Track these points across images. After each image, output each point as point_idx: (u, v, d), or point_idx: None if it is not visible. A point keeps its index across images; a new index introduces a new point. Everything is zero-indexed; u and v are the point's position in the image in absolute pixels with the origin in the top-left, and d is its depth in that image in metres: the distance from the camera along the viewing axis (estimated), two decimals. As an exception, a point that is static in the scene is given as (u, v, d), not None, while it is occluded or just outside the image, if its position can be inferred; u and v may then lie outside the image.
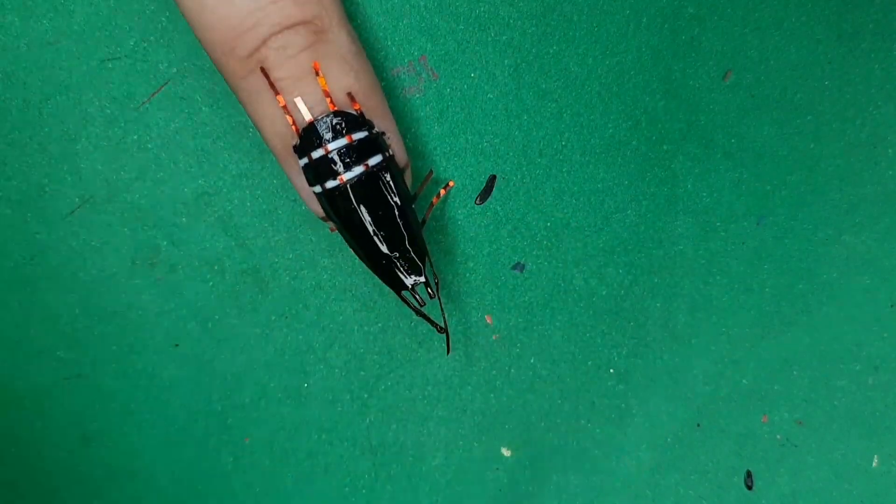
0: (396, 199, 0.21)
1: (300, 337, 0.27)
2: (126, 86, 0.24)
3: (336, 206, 0.21)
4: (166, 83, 0.24)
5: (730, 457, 0.28)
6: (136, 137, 0.25)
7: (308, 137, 0.20)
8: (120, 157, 0.25)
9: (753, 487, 0.28)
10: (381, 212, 0.21)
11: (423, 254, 0.22)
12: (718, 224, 0.26)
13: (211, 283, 0.26)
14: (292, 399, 0.27)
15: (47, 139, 0.24)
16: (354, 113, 0.20)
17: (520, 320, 0.27)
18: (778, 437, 0.28)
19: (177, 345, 0.26)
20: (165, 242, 0.25)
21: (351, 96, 0.20)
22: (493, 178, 0.26)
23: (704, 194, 0.26)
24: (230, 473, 0.27)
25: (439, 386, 0.27)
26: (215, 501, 0.27)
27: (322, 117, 0.20)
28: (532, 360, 0.27)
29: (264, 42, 0.19)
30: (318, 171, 0.20)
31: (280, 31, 0.19)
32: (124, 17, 0.24)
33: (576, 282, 0.27)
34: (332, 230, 0.24)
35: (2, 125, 0.24)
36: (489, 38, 0.25)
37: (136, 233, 0.25)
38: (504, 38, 0.25)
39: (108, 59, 0.24)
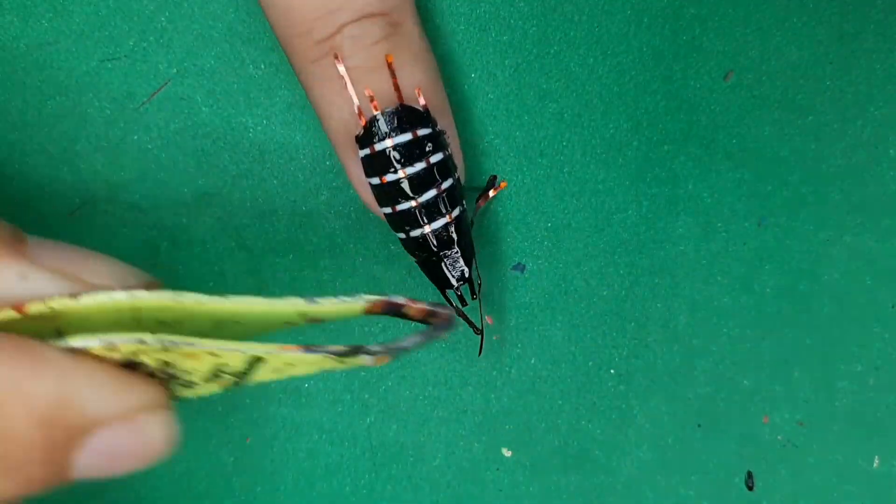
0: (454, 198, 0.21)
1: (300, 337, 0.27)
2: (125, 86, 0.24)
3: (391, 200, 0.21)
4: (166, 83, 0.24)
5: (730, 457, 0.28)
6: (135, 138, 0.25)
7: (372, 129, 0.20)
8: (120, 157, 0.25)
9: (754, 488, 0.28)
10: (436, 210, 0.21)
11: (470, 255, 0.22)
12: (719, 224, 0.26)
13: (211, 284, 0.26)
14: (293, 399, 0.27)
15: (47, 140, 0.24)
16: (421, 109, 0.20)
17: (520, 321, 0.27)
18: (779, 437, 0.28)
19: (177, 345, 0.26)
20: (165, 243, 0.25)
21: (419, 92, 0.20)
22: (493, 179, 0.26)
23: (705, 195, 0.26)
24: (230, 474, 0.27)
25: (440, 386, 0.27)
26: (215, 502, 0.27)
27: (389, 110, 0.20)
28: (533, 361, 0.27)
29: (341, 29, 0.19)
30: (378, 164, 0.20)
31: (358, 20, 0.19)
32: (123, 18, 0.24)
33: (576, 282, 0.27)
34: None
35: (1, 125, 0.24)
36: (490, 39, 0.25)
37: (135, 233, 0.25)
38: (505, 38, 0.25)
39: (108, 60, 0.24)
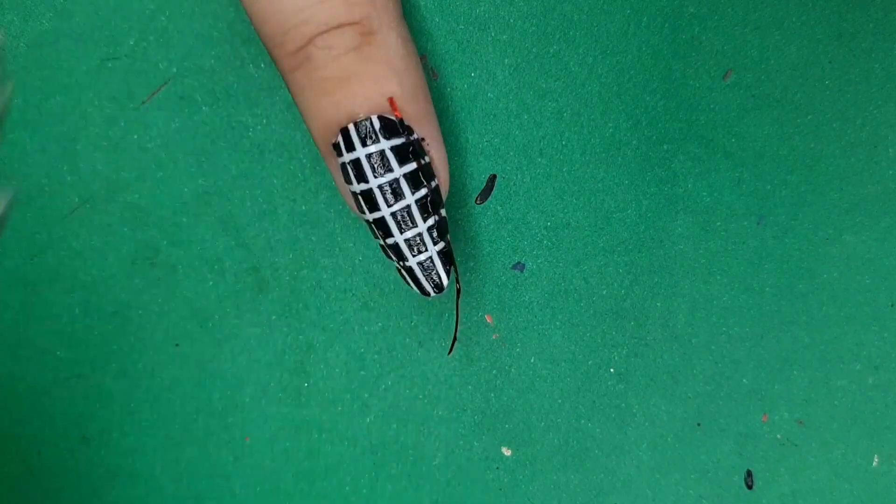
0: (428, 207, 0.22)
1: (300, 337, 0.27)
2: (126, 85, 0.24)
3: (367, 208, 0.21)
4: (166, 83, 0.24)
5: (730, 456, 0.28)
6: (135, 137, 0.25)
7: (346, 139, 0.20)
8: (120, 156, 0.25)
9: (754, 487, 0.28)
10: (410, 219, 0.21)
11: (448, 263, 0.22)
12: (719, 224, 0.26)
13: (211, 283, 0.26)
14: (292, 399, 0.27)
15: (47, 139, 0.24)
16: (393, 119, 0.21)
17: (520, 320, 0.27)
18: (778, 436, 0.28)
19: (177, 345, 0.26)
20: (165, 242, 0.25)
21: (392, 102, 0.20)
22: (493, 178, 0.26)
23: (705, 194, 0.26)
24: (230, 473, 0.27)
25: (439, 385, 0.27)
26: (215, 501, 0.27)
27: (360, 121, 0.20)
28: (532, 360, 0.27)
29: (311, 40, 0.19)
30: (353, 172, 0.21)
31: (327, 31, 0.19)
32: (124, 17, 0.24)
33: (576, 281, 0.27)
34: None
35: (1, 125, 0.24)
36: (489, 38, 0.25)
37: (135, 233, 0.25)
38: (504, 37, 0.25)
39: (108, 59, 0.24)
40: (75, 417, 0.27)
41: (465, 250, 0.26)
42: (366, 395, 0.27)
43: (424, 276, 0.22)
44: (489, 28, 0.24)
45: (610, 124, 0.25)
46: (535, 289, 0.27)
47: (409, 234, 0.21)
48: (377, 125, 0.20)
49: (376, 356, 0.27)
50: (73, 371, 0.26)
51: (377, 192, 0.21)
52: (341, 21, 0.19)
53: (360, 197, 0.21)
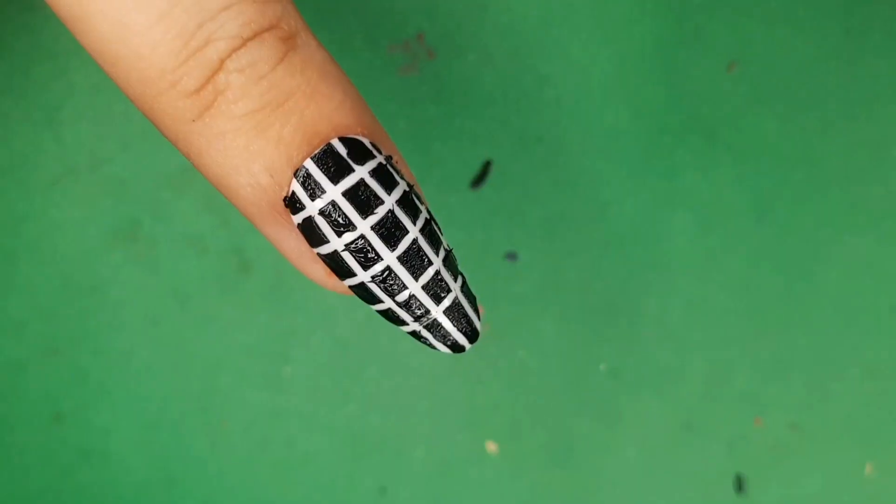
0: (432, 236, 0.16)
1: (282, 321, 0.26)
2: (113, 53, 0.24)
3: (355, 266, 0.15)
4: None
5: (720, 459, 0.27)
6: (121, 108, 0.24)
7: (306, 184, 0.14)
8: (104, 127, 0.24)
9: (743, 492, 0.27)
10: (416, 263, 0.15)
11: (474, 301, 0.17)
12: (718, 220, 0.26)
13: (193, 262, 0.25)
14: (272, 384, 0.26)
15: (31, 107, 0.24)
16: (358, 138, 0.15)
17: (510, 311, 0.26)
18: (771, 440, 0.27)
19: (156, 324, 0.26)
20: (147, 217, 0.25)
21: (348, 117, 0.15)
22: (488, 164, 0.25)
23: (704, 189, 0.26)
24: (206, 458, 0.27)
25: (424, 376, 0.27)
26: (190, 486, 0.27)
27: (319, 152, 0.14)
28: (521, 353, 0.27)
29: (222, 64, 0.14)
30: (326, 225, 0.14)
31: (242, 45, 0.14)
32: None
33: (569, 274, 0.26)
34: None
35: (-16, 90, 0.24)
36: (489, 19, 0.24)
37: (117, 206, 0.25)
38: (504, 19, 0.24)
39: (97, 26, 0.24)
40: (49, 394, 0.26)
41: (456, 238, 0.26)
42: (347, 384, 0.27)
43: (455, 325, 0.16)
44: (489, 9, 0.24)
45: (610, 113, 0.25)
46: (528, 280, 0.26)
47: (425, 277, 0.15)
48: (342, 150, 0.14)
49: (360, 344, 0.26)
50: (49, 346, 0.26)
51: (372, 237, 0.15)
52: (256, 28, 0.14)
53: (350, 254, 0.15)
